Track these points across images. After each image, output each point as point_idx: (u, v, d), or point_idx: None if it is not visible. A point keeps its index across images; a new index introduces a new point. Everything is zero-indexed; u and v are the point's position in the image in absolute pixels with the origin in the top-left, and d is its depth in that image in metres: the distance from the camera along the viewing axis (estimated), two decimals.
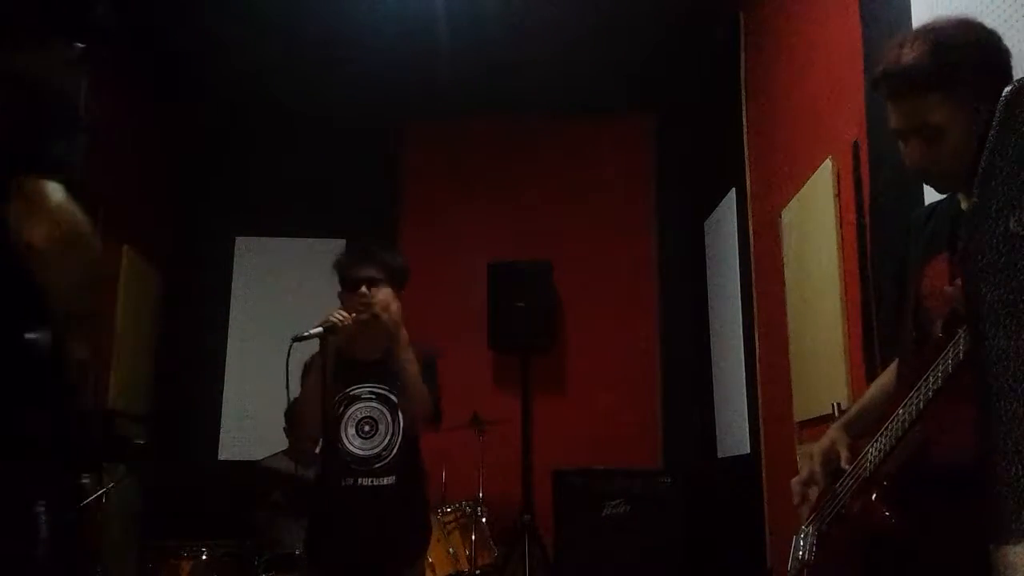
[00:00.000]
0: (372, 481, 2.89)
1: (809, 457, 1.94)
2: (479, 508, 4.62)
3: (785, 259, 3.89)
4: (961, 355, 1.50)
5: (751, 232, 4.42)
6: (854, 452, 1.84)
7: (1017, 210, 0.99)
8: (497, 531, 4.77)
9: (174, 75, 5.44)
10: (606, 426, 5.66)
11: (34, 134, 1.46)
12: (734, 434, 4.72)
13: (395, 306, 2.89)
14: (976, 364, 1.04)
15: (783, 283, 3.90)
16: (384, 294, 2.90)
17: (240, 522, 4.39)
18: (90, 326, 1.57)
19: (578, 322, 5.93)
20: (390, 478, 2.90)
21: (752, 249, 4.40)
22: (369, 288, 2.90)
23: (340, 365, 2.90)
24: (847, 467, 1.83)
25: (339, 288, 3.00)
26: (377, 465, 2.89)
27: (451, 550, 4.34)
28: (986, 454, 1.01)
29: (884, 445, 1.72)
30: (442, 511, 4.45)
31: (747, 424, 4.48)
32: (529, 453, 5.55)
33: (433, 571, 4.13)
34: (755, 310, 4.36)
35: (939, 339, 1.60)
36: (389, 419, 2.93)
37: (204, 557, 3.83)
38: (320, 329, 2.81)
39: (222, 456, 5.63)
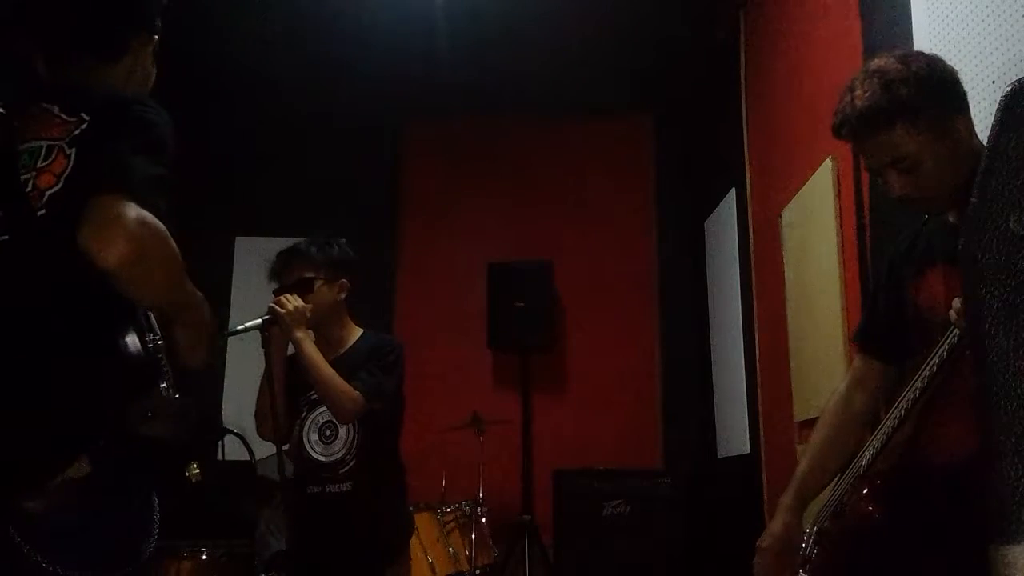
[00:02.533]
0: (336, 487, 2.82)
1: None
2: (479, 508, 4.61)
3: (785, 259, 3.89)
4: (945, 354, 1.52)
5: (751, 232, 4.42)
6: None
7: (1017, 210, 1.00)
8: (497, 531, 4.77)
9: (173, 74, 5.43)
10: (606, 426, 5.65)
11: (111, 148, 1.43)
12: (734, 434, 4.73)
13: (292, 304, 2.73)
14: (976, 364, 1.04)
15: (783, 283, 3.90)
16: (290, 296, 2.79)
17: (240, 522, 4.39)
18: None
19: (578, 322, 5.92)
20: (349, 484, 2.81)
21: (752, 249, 4.40)
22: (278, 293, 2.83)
23: (301, 369, 2.80)
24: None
25: None
26: (341, 471, 2.82)
27: (451, 550, 4.33)
28: (986, 454, 1.01)
29: (877, 443, 1.74)
30: (442, 511, 4.44)
31: (747, 424, 4.48)
32: (529, 453, 5.55)
33: (433, 571, 4.13)
34: (755, 310, 4.36)
35: (936, 342, 1.62)
36: (349, 423, 2.83)
37: (204, 557, 3.82)
38: (259, 321, 2.70)
39: (222, 456, 5.62)
